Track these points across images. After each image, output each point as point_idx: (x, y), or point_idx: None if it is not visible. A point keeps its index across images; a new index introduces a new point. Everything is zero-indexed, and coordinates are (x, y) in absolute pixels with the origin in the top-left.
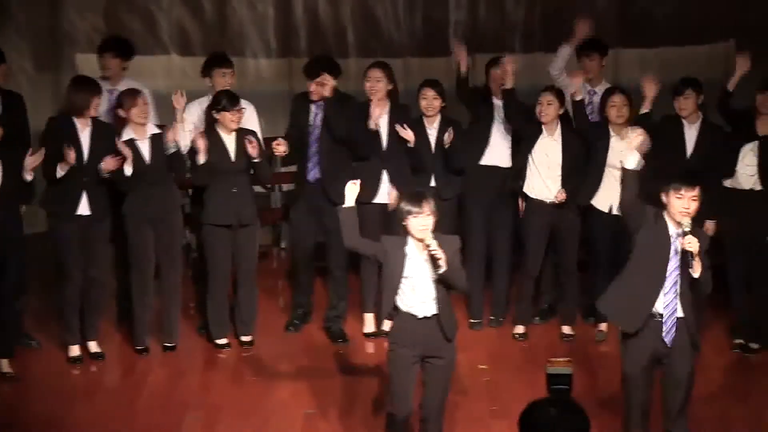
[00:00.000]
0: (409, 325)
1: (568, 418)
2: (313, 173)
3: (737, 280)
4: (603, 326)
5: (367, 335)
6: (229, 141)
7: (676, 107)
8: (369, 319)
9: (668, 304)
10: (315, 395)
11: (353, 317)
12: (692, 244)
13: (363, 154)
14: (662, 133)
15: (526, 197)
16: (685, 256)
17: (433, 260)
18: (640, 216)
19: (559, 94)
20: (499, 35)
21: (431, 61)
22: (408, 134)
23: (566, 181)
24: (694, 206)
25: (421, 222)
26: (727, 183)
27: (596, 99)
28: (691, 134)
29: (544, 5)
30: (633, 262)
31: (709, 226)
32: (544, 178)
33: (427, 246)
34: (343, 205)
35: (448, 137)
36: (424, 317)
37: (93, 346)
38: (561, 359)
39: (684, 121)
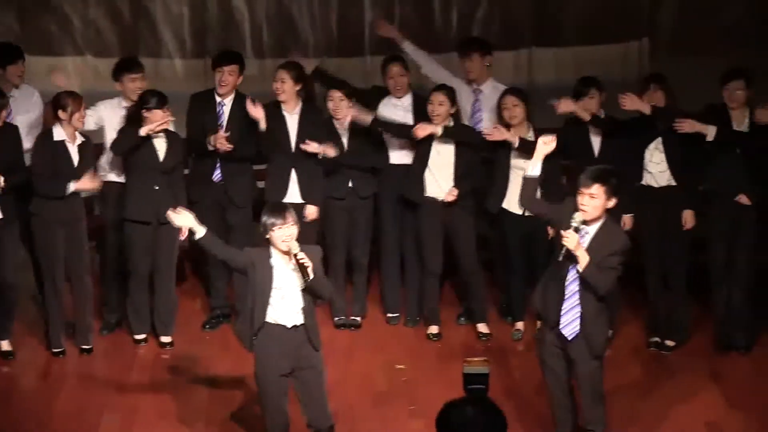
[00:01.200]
0: (278, 337)
1: (484, 417)
2: (218, 173)
3: (653, 278)
4: (519, 325)
5: None
6: (158, 142)
7: (581, 107)
8: None
9: (569, 298)
10: (233, 398)
11: None
12: (569, 239)
13: (265, 155)
14: (568, 134)
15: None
16: (571, 253)
17: (302, 269)
18: (555, 212)
19: (451, 94)
20: (414, 35)
21: (347, 62)
22: (257, 112)
23: (459, 181)
24: (592, 204)
25: (285, 233)
26: (643, 182)
27: (482, 97)
28: (596, 135)
29: (459, 5)
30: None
31: (627, 220)
32: (436, 178)
33: (295, 255)
34: (197, 237)
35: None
36: (293, 326)
37: (4, 345)
38: (477, 359)
39: (588, 122)
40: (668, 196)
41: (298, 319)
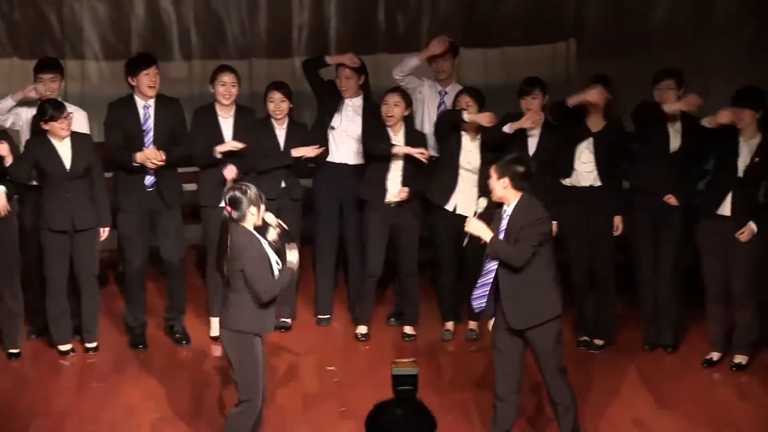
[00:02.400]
0: (265, 312)
1: (414, 418)
2: (150, 178)
3: (581, 278)
4: (449, 325)
5: (214, 338)
6: (63, 148)
7: (523, 107)
8: (215, 322)
9: (484, 275)
10: (162, 399)
11: (199, 321)
12: (469, 225)
13: (201, 162)
14: (506, 134)
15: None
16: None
17: (285, 231)
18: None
19: (406, 96)
20: (342, 36)
21: (277, 63)
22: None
23: (408, 182)
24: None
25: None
26: (567, 182)
27: (446, 99)
28: (533, 134)
29: (388, 5)
30: None
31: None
32: (384, 179)
33: (279, 225)
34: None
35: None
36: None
37: None
38: (406, 360)
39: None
40: (592, 196)
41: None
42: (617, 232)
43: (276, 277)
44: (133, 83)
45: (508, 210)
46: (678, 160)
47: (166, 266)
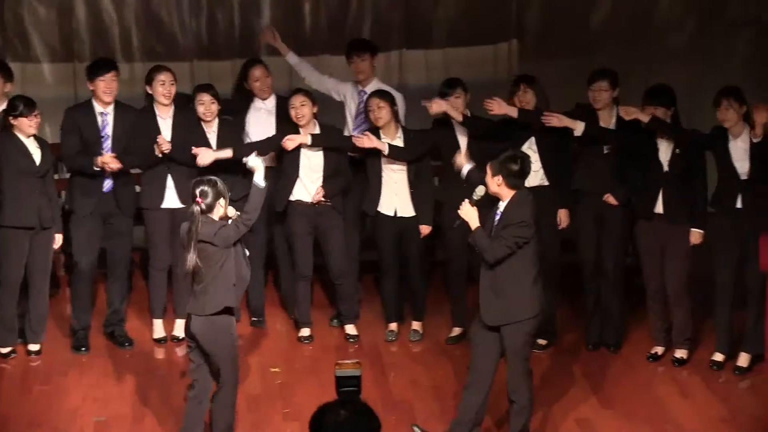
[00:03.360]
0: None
1: (358, 419)
2: (108, 183)
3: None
4: (393, 326)
5: (157, 340)
6: (30, 145)
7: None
8: (158, 324)
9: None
10: (105, 402)
11: (142, 323)
12: (463, 209)
13: (147, 165)
14: (436, 135)
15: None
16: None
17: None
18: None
19: (309, 94)
20: (284, 38)
21: (217, 65)
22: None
23: (327, 182)
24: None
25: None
26: None
27: (366, 98)
28: (462, 131)
29: (329, 7)
30: None
31: None
32: (304, 182)
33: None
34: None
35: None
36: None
37: None
38: (349, 361)
39: (455, 122)
40: (540, 196)
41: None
42: (562, 226)
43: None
44: (91, 88)
45: (501, 206)
46: (614, 160)
47: (109, 269)
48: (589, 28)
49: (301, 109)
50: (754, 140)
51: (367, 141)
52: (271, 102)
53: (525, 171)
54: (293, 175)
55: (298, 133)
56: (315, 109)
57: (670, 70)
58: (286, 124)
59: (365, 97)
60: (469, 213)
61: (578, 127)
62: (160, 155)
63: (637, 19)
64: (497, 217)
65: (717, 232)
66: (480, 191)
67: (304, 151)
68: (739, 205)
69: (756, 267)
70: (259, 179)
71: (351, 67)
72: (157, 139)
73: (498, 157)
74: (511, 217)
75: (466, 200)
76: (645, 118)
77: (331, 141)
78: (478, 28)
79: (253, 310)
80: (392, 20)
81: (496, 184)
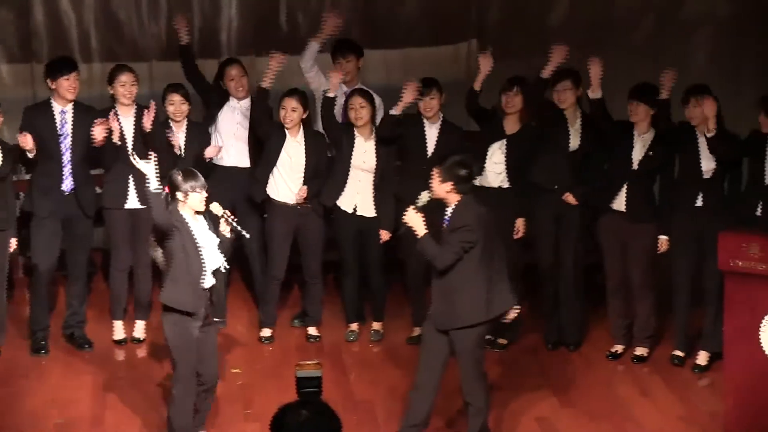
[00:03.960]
0: (201, 296)
1: (319, 419)
2: (68, 183)
3: None
4: (353, 326)
5: (117, 342)
6: None
7: (421, 107)
8: (118, 326)
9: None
10: (65, 404)
11: (102, 325)
12: (408, 216)
13: (107, 164)
14: (405, 133)
15: (270, 200)
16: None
17: (231, 225)
18: None
19: (303, 98)
20: (244, 37)
21: (177, 65)
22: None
23: (309, 182)
24: (433, 185)
25: (204, 195)
26: (476, 181)
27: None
28: (432, 134)
29: (289, 7)
30: None
31: None
32: (287, 181)
33: (225, 213)
34: (153, 188)
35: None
36: (209, 287)
37: None
38: (310, 362)
39: (425, 121)
40: (499, 197)
41: (212, 280)
42: (518, 235)
43: (201, 259)
44: (52, 87)
45: (448, 211)
46: (577, 159)
47: (70, 270)
48: (548, 28)
49: (292, 113)
50: (708, 135)
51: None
52: (246, 102)
53: (473, 176)
54: (267, 170)
55: (282, 133)
56: (304, 115)
57: (628, 69)
58: (270, 122)
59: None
60: (414, 220)
61: (596, 91)
62: (119, 142)
63: (595, 19)
64: (446, 222)
65: (676, 230)
66: (425, 197)
67: (286, 150)
68: (699, 203)
69: (712, 266)
70: (150, 184)
71: (337, 68)
72: (111, 126)
73: (445, 162)
74: (456, 222)
75: (411, 207)
76: (665, 94)
77: (313, 145)
78: (438, 28)
79: (215, 312)
80: (351, 20)
81: (445, 190)
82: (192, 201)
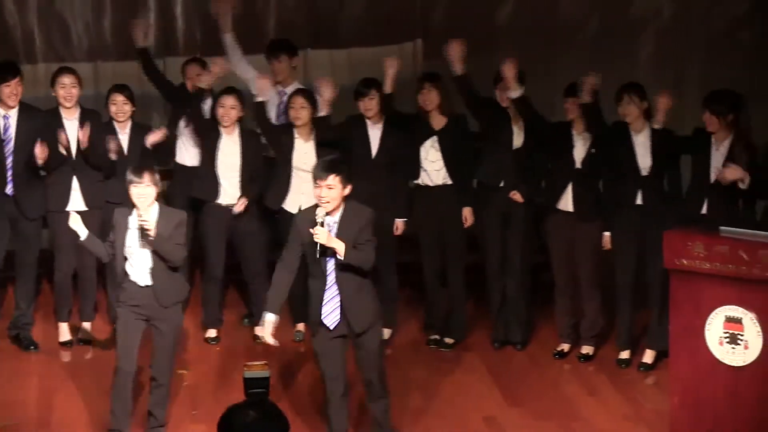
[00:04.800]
0: (134, 291)
1: (266, 420)
2: (10, 188)
3: (431, 277)
4: (300, 326)
5: (63, 344)
6: None
7: (361, 108)
8: (64, 328)
9: (329, 287)
10: (11, 407)
11: (48, 326)
12: (319, 235)
13: (52, 166)
14: (348, 134)
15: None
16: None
17: (141, 230)
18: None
19: (240, 97)
20: (190, 38)
21: (123, 65)
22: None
23: (246, 186)
24: (331, 194)
25: (139, 191)
26: (419, 181)
27: (287, 99)
28: (375, 135)
29: (237, 7)
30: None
31: (399, 225)
32: (222, 182)
33: (139, 216)
34: (82, 238)
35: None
36: (146, 286)
37: None
38: (257, 363)
39: (368, 122)
40: (444, 194)
41: (148, 279)
42: (467, 224)
43: (125, 257)
44: None
45: (335, 219)
46: (522, 157)
47: (17, 272)
48: (494, 27)
49: (230, 111)
50: (656, 126)
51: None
52: (208, 102)
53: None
54: (211, 169)
55: (217, 132)
56: (241, 114)
57: (574, 67)
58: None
59: (285, 97)
60: (331, 239)
61: (515, 91)
62: (64, 152)
63: (540, 18)
64: (334, 229)
65: (617, 229)
66: (322, 211)
67: (222, 150)
68: (639, 201)
69: (655, 264)
70: (80, 236)
71: (270, 68)
72: (59, 138)
73: (328, 165)
74: (357, 220)
75: (318, 228)
76: (587, 97)
77: (249, 144)
78: (383, 28)
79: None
80: (297, 20)
81: (346, 192)
82: (131, 195)
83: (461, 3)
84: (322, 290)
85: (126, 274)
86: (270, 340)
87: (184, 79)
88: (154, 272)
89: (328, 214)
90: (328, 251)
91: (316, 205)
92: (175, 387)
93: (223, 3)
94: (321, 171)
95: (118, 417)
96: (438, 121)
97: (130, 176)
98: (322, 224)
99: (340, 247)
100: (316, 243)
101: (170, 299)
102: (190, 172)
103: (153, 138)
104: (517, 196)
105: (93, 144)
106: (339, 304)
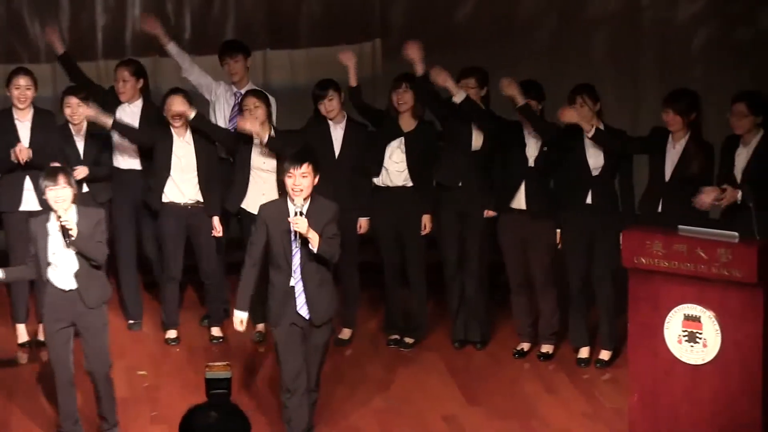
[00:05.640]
0: (57, 299)
1: (228, 421)
2: None
3: (392, 277)
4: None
5: (22, 345)
6: None
7: (322, 110)
8: (21, 329)
9: (298, 280)
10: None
11: (5, 329)
12: (299, 225)
13: (4, 167)
14: (310, 134)
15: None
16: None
17: (63, 230)
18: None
19: (187, 97)
20: (145, 38)
21: (80, 66)
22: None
23: (205, 186)
24: (306, 182)
25: (56, 194)
26: (377, 181)
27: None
28: (337, 134)
29: (192, 7)
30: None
31: (363, 223)
32: (177, 183)
33: (59, 218)
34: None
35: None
36: (70, 290)
37: None
38: (219, 363)
39: (330, 122)
40: (403, 196)
41: (72, 283)
42: (425, 231)
43: (46, 262)
44: None
45: (303, 208)
46: (481, 158)
47: None
48: (454, 26)
49: (180, 110)
50: (588, 136)
51: (249, 124)
52: (137, 105)
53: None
54: (164, 173)
55: (169, 133)
56: (192, 113)
57: (533, 66)
58: (155, 124)
59: (239, 98)
60: (309, 229)
61: (459, 95)
62: (16, 161)
63: (500, 17)
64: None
65: (568, 228)
66: (299, 201)
67: (175, 151)
68: (589, 200)
69: (603, 264)
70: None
71: (224, 69)
72: (16, 148)
73: (302, 155)
74: (324, 214)
75: (299, 217)
76: (520, 100)
77: (202, 141)
78: (342, 28)
79: (130, 314)
80: (255, 20)
81: (316, 182)
82: (48, 199)
83: (420, 2)
84: (288, 284)
85: (48, 281)
86: (241, 329)
87: (116, 83)
88: (78, 275)
89: (299, 202)
90: (303, 241)
91: (281, 199)
92: (136, 388)
93: (149, 23)
94: (295, 160)
95: (66, 422)
96: (407, 123)
97: (44, 181)
98: (301, 213)
99: (314, 238)
100: (290, 232)
101: (96, 300)
102: (135, 176)
103: (77, 175)
104: (491, 213)
105: (43, 145)
106: (305, 295)
